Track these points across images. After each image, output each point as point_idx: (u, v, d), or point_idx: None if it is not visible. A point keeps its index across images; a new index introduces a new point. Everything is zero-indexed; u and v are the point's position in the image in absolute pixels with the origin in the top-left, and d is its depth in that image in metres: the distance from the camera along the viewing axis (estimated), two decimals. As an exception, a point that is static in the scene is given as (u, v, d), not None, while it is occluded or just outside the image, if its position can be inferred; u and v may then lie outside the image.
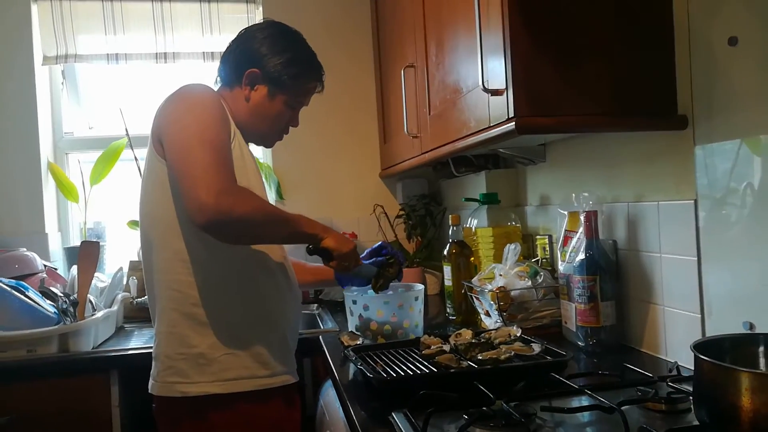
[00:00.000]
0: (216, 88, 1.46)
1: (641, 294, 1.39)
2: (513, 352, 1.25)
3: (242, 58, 1.40)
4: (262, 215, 1.21)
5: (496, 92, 1.24)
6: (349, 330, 1.66)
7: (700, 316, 1.21)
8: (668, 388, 1.04)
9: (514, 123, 1.16)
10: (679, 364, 1.19)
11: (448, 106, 1.59)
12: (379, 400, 1.15)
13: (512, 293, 1.60)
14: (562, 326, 1.57)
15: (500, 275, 1.65)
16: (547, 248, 1.82)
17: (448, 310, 1.88)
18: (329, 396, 1.53)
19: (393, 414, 1.04)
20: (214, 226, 1.14)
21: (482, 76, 1.28)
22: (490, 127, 1.29)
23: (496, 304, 1.60)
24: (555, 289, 1.62)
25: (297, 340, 1.44)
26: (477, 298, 1.74)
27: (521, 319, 1.62)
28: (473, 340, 1.35)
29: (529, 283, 1.62)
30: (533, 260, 1.81)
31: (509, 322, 1.61)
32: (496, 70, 1.24)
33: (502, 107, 1.22)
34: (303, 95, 1.47)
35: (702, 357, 0.75)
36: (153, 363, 1.34)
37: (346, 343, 1.56)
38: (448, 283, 1.86)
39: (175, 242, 1.28)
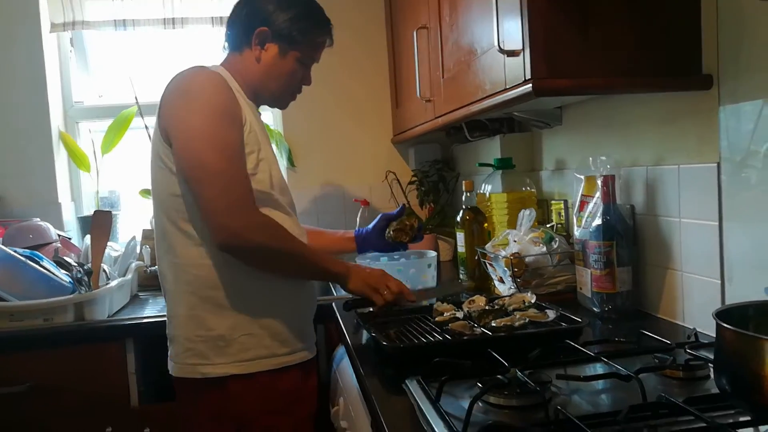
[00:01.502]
0: (224, 54, 1.43)
1: (659, 260, 1.36)
2: (527, 319, 1.24)
3: (249, 18, 1.37)
4: (277, 247, 1.24)
5: (512, 53, 1.20)
6: (362, 297, 1.65)
7: (720, 281, 1.18)
8: (686, 355, 1.02)
9: (531, 85, 1.12)
10: (698, 330, 1.16)
11: (462, 68, 1.55)
12: (392, 367, 1.15)
13: (526, 259, 1.58)
14: (577, 292, 1.55)
15: (515, 241, 1.63)
16: (563, 213, 1.79)
17: (461, 276, 1.87)
18: (343, 363, 1.53)
19: (406, 381, 1.03)
20: (229, 248, 1.21)
21: (498, 37, 1.24)
22: (505, 90, 1.25)
23: (510, 270, 1.58)
24: (570, 255, 1.60)
25: (314, 315, 1.44)
26: (491, 265, 1.72)
27: (535, 285, 1.60)
28: (487, 307, 1.34)
29: (544, 249, 1.59)
30: (548, 226, 1.79)
31: (523, 289, 1.59)
32: (512, 30, 1.19)
33: (518, 69, 1.18)
34: (314, 50, 1.44)
35: (724, 325, 0.73)
36: (169, 344, 1.35)
37: (359, 311, 1.55)
38: (461, 249, 1.84)
39: (189, 228, 1.28)
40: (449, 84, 1.68)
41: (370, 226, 1.65)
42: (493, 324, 1.23)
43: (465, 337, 1.19)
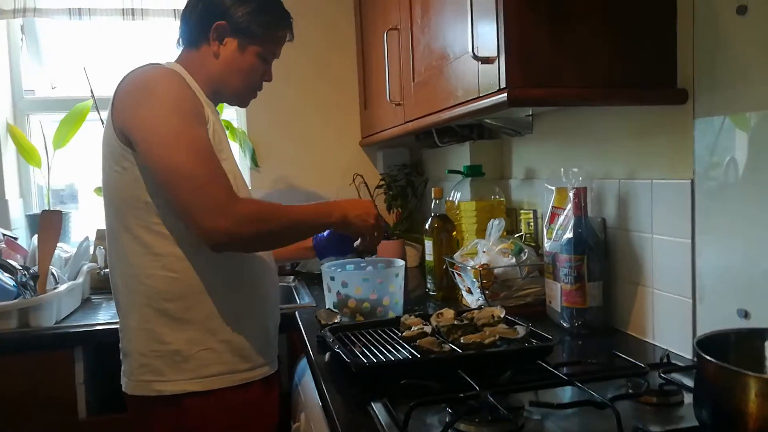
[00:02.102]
0: (178, 51, 1.35)
1: (630, 275, 1.34)
2: (497, 336, 1.20)
3: (206, 12, 1.30)
4: (270, 228, 1.19)
5: (486, 60, 1.15)
6: (327, 307, 1.59)
7: (691, 300, 1.16)
8: (659, 379, 0.99)
9: (506, 94, 1.08)
10: (669, 350, 1.14)
11: (434, 73, 1.50)
12: (357, 385, 1.09)
13: (495, 271, 1.55)
14: (546, 306, 1.52)
15: (483, 252, 1.59)
16: (532, 224, 1.76)
17: (428, 285, 1.82)
18: (305, 377, 1.47)
19: (372, 404, 0.98)
20: (223, 249, 1.16)
21: (472, 42, 1.19)
22: (479, 98, 1.21)
23: (478, 281, 1.54)
24: (539, 267, 1.57)
25: (278, 327, 1.38)
26: (459, 275, 1.68)
27: (504, 297, 1.57)
28: (455, 322, 1.29)
29: (513, 260, 1.56)
30: (517, 236, 1.76)
31: (492, 301, 1.56)
32: (487, 36, 1.15)
33: (492, 76, 1.14)
34: (274, 44, 1.38)
35: (707, 357, 0.70)
36: (123, 359, 1.27)
37: (323, 321, 1.49)
38: (429, 258, 1.80)
39: (145, 235, 1.20)
40: (420, 88, 1.63)
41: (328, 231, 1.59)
42: (462, 340, 1.19)
43: (433, 355, 1.15)
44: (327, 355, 1.29)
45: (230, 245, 1.16)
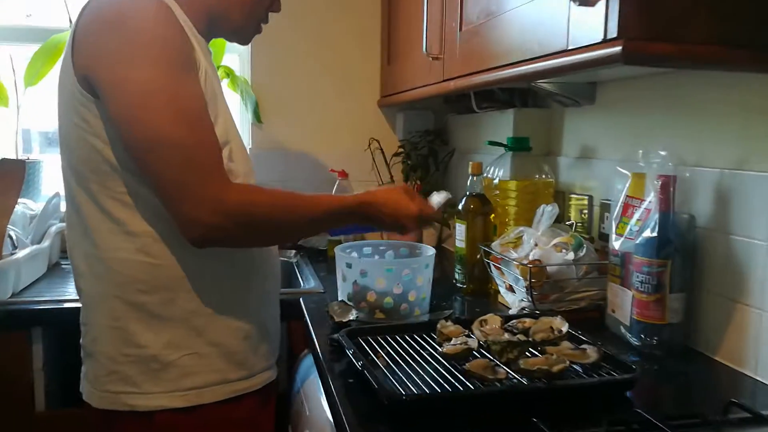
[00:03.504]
0: None
1: (726, 289, 1.08)
2: (568, 362, 0.93)
3: None
4: (268, 220, 0.94)
5: (586, 2, 0.86)
6: (339, 299, 1.32)
7: (820, 332, 0.91)
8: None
9: (620, 47, 0.78)
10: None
11: (493, 20, 1.20)
12: (387, 420, 0.83)
13: (548, 269, 1.28)
14: (606, 314, 1.26)
15: (535, 245, 1.32)
16: (586, 212, 1.49)
17: (456, 276, 1.56)
18: (310, 383, 1.21)
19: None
20: (208, 243, 0.91)
21: (564, -23, 0.90)
22: (566, 52, 0.92)
23: (526, 280, 1.28)
24: (600, 267, 1.30)
25: (279, 322, 1.11)
26: (497, 267, 1.42)
27: (554, 300, 1.31)
28: (506, 336, 1.03)
29: (571, 256, 1.29)
30: (568, 224, 1.49)
31: (539, 303, 1.29)
32: (590, -32, 0.85)
33: (593, 24, 0.84)
34: None
35: None
36: (85, 360, 1.00)
37: (336, 318, 1.23)
38: (460, 244, 1.53)
39: (115, 208, 0.93)
40: (470, 39, 1.33)
41: None
42: (522, 365, 0.92)
43: (489, 388, 0.88)
44: (343, 363, 1.03)
45: (215, 241, 0.91)
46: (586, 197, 1.48)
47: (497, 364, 0.94)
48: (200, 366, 0.96)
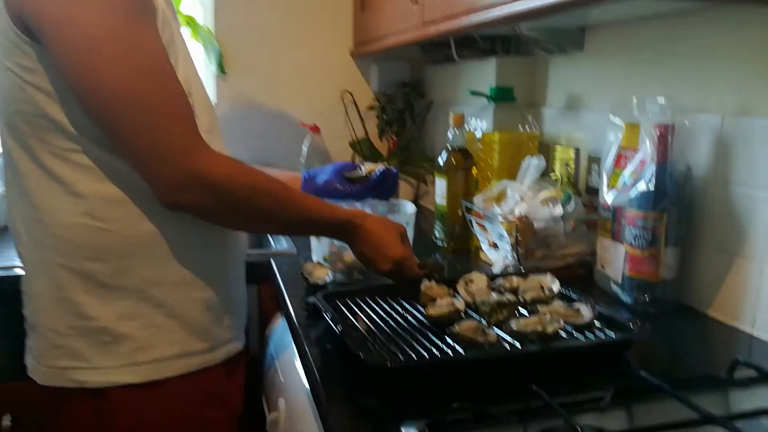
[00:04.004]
0: None
1: (724, 243, 1.02)
2: (562, 322, 0.87)
3: None
4: (251, 197, 0.84)
5: None
6: (315, 260, 1.24)
7: (826, 286, 0.86)
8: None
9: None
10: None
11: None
12: (371, 388, 0.76)
13: (536, 225, 1.21)
14: (593, 270, 1.21)
15: (521, 199, 1.25)
16: (572, 165, 1.42)
17: (436, 234, 1.48)
18: (285, 351, 1.13)
19: (403, 429, 0.65)
20: (182, 206, 0.81)
21: None
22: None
23: (512, 236, 1.21)
24: (588, 222, 1.24)
25: (245, 289, 1.02)
26: (480, 225, 1.35)
27: (541, 257, 1.25)
28: (495, 295, 0.96)
29: (559, 211, 1.22)
30: (552, 178, 1.42)
31: (525, 261, 1.23)
32: None
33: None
34: None
35: None
36: (29, 333, 0.90)
37: (311, 280, 1.15)
38: (440, 200, 1.45)
39: (58, 167, 0.82)
40: (452, -23, 1.22)
41: (328, 167, 1.22)
42: (514, 326, 0.86)
43: (480, 353, 0.81)
44: (321, 328, 0.95)
45: (188, 209, 0.82)
46: (573, 149, 1.41)
47: (487, 326, 0.87)
48: (158, 338, 0.87)
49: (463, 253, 1.44)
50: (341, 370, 0.83)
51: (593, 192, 1.33)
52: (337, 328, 0.85)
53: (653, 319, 1.03)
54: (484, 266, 1.33)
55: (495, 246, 1.31)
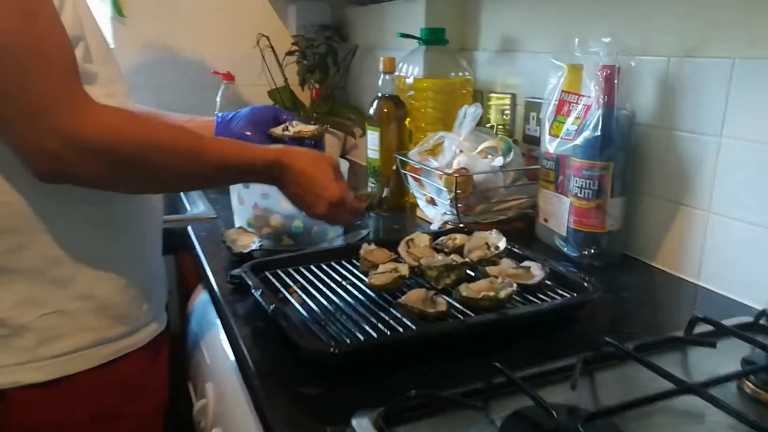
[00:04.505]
0: None
1: (668, 191, 0.99)
2: (514, 284, 0.81)
3: None
4: (142, 153, 0.70)
5: None
6: (238, 225, 1.12)
7: (774, 232, 0.84)
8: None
9: None
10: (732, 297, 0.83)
11: None
12: (314, 374, 0.67)
13: (475, 178, 1.14)
14: (534, 223, 1.16)
15: (459, 151, 1.17)
16: (508, 112, 1.35)
17: (369, 189, 1.39)
18: (209, 328, 1.02)
19: (355, 420, 0.57)
20: (60, 179, 0.67)
21: None
22: None
23: (451, 191, 1.14)
24: (529, 173, 1.19)
25: (163, 262, 0.89)
26: (415, 179, 1.27)
27: (481, 211, 1.19)
28: (442, 259, 0.88)
29: (499, 162, 1.16)
30: (488, 126, 1.36)
31: (464, 215, 1.17)
32: None
33: None
34: None
35: None
36: None
37: (234, 249, 1.03)
38: (372, 154, 1.35)
39: None
40: None
41: (245, 111, 1.08)
42: (464, 292, 0.79)
43: (431, 327, 0.74)
44: (247, 302, 0.84)
45: (69, 178, 0.68)
46: (509, 95, 1.34)
47: (436, 293, 0.80)
48: (66, 327, 0.74)
49: (399, 211, 1.36)
50: (277, 355, 0.73)
51: (531, 141, 1.28)
52: (269, 308, 0.74)
53: (599, 273, 0.99)
54: (422, 224, 1.26)
55: (432, 202, 1.23)
